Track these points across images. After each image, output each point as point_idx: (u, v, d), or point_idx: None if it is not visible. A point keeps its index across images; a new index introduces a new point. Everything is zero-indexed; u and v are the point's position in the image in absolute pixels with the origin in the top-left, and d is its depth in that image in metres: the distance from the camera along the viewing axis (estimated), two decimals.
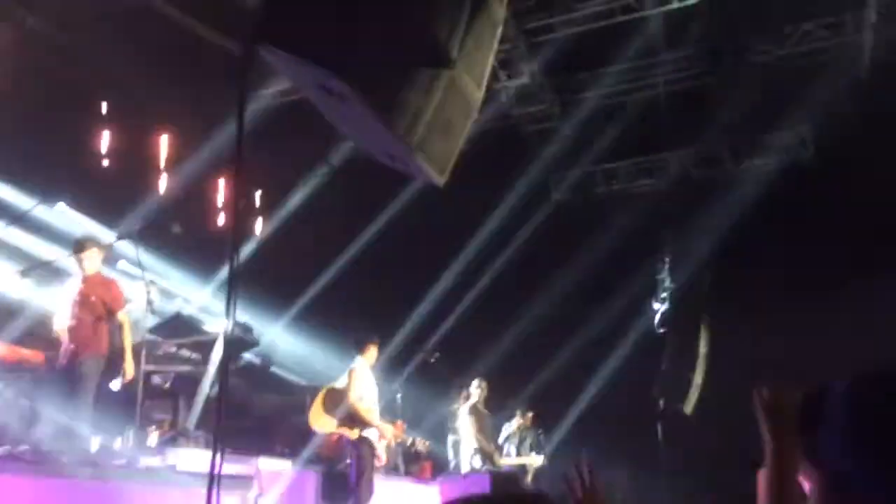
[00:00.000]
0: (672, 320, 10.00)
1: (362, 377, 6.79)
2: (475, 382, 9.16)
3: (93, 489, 4.20)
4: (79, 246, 6.44)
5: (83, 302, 6.30)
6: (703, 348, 9.64)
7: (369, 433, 6.68)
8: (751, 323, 9.29)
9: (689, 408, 9.28)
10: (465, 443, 8.85)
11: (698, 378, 9.48)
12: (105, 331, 6.31)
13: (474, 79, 3.37)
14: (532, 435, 9.86)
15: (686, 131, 10.86)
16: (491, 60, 3.48)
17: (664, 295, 10.16)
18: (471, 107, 3.42)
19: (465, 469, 8.42)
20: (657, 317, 10.09)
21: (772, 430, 1.48)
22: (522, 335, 11.16)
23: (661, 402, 8.77)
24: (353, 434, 6.62)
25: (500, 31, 3.49)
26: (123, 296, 6.50)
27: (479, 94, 3.44)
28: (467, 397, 9.10)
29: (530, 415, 10.13)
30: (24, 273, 6.81)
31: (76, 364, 6.09)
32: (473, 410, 8.94)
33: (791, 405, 1.49)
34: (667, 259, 10.36)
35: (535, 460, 9.48)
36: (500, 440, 9.90)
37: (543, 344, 11.17)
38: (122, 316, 6.40)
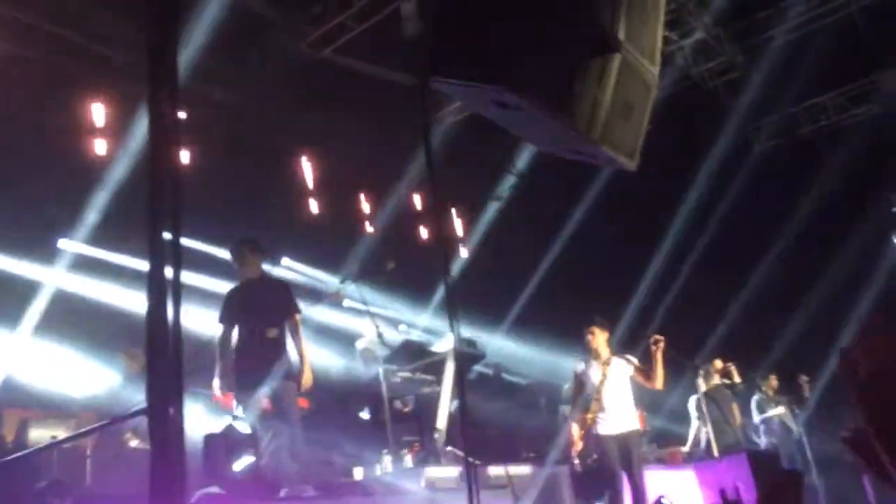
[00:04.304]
0: None
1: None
2: (707, 366, 8.78)
3: None
4: (241, 247, 5.73)
5: (257, 307, 5.53)
6: None
7: (599, 424, 6.46)
8: None
9: None
10: (710, 427, 8.47)
11: None
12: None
13: (647, 55, 3.26)
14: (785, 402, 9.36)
15: (893, 46, 9.81)
16: (660, 30, 3.36)
17: None
18: (648, 84, 3.31)
19: (717, 451, 8.06)
20: None
21: None
22: (753, 300, 10.54)
23: None
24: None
25: None
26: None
27: (654, 69, 3.33)
28: (706, 376, 8.73)
29: (773, 380, 9.62)
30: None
31: (279, 398, 5.34)
32: (711, 394, 8.57)
33: None
34: None
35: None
36: (760, 417, 9.49)
37: (777, 305, 10.48)
38: (297, 318, 5.66)
